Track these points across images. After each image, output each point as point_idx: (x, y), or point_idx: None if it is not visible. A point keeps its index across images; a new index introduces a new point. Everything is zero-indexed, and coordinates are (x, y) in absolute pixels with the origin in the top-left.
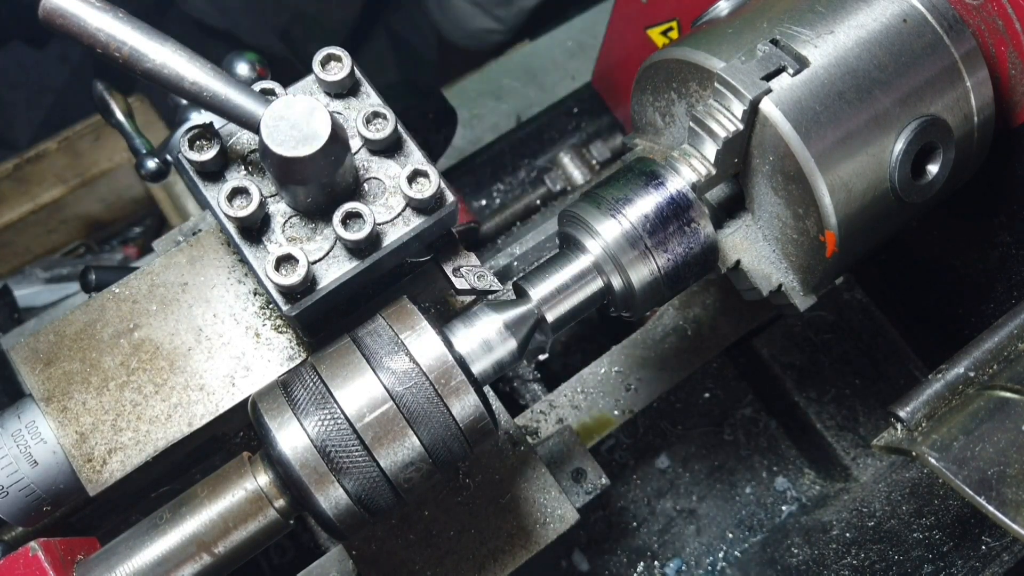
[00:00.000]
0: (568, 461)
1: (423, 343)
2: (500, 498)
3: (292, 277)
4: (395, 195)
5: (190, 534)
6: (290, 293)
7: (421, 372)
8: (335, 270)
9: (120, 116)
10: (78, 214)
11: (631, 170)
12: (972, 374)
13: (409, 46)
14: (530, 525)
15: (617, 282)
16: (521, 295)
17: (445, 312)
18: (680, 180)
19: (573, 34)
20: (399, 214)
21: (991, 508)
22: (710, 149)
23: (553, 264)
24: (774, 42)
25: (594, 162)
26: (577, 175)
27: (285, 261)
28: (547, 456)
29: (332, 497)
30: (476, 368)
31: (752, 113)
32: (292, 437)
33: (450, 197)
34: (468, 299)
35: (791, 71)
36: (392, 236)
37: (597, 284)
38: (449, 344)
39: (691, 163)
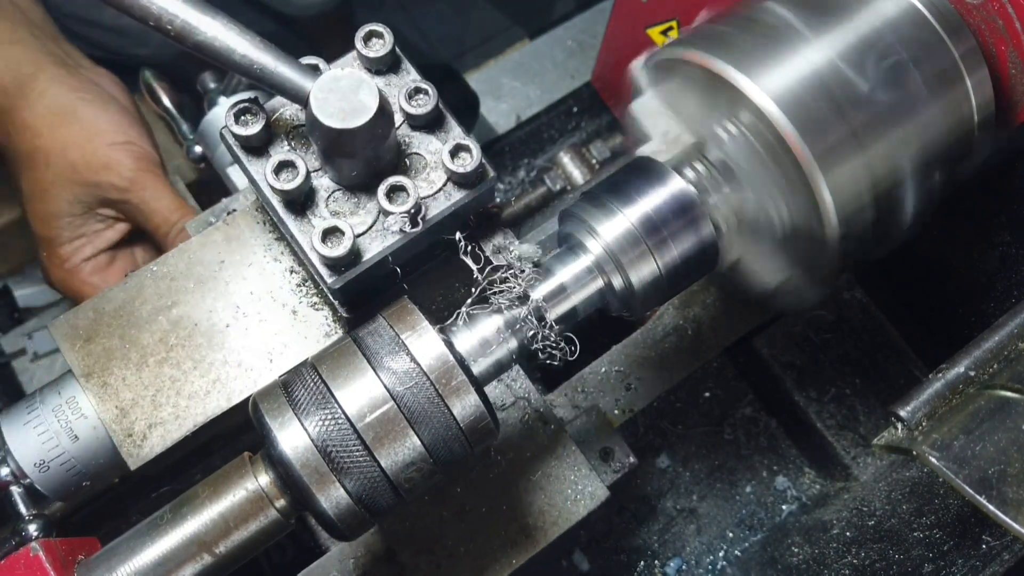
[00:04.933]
0: (596, 441)
1: (424, 343)
2: (531, 475)
3: (338, 249)
4: (436, 170)
5: (191, 534)
6: (335, 265)
7: (422, 372)
8: (379, 243)
9: (167, 103)
10: None
11: (632, 169)
12: (972, 373)
13: (426, 33)
14: (561, 502)
15: (618, 282)
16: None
17: (445, 313)
18: (680, 179)
19: (573, 34)
20: (440, 188)
21: (991, 507)
22: (711, 148)
23: (553, 264)
24: (776, 42)
25: (594, 161)
26: (577, 174)
27: (331, 233)
28: (575, 436)
29: (333, 497)
30: (477, 368)
31: (753, 112)
32: (293, 437)
33: (491, 171)
34: (470, 299)
35: (792, 70)
36: (435, 210)
37: (597, 284)
38: (450, 344)
39: (692, 162)
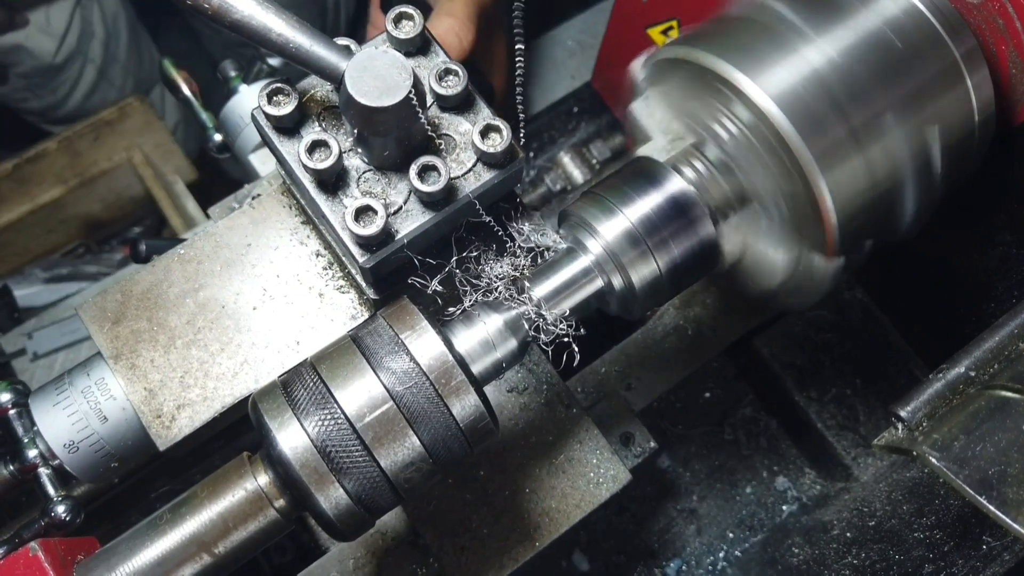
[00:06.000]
0: (616, 426)
1: (423, 343)
2: (553, 458)
3: (371, 228)
4: (466, 151)
5: (190, 534)
6: (368, 244)
7: (421, 372)
8: (410, 222)
9: (187, 92)
10: (77, 214)
11: (632, 169)
12: (973, 373)
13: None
14: (583, 485)
15: (618, 282)
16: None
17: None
18: (681, 179)
19: (573, 34)
20: (471, 169)
21: (992, 507)
22: (711, 148)
23: (553, 264)
24: (776, 42)
25: (594, 162)
26: (577, 175)
27: (364, 212)
28: (596, 420)
29: (332, 497)
30: (476, 368)
31: (753, 112)
32: (292, 437)
33: (520, 152)
34: (470, 299)
35: (793, 70)
36: (465, 190)
37: (597, 284)
38: (449, 344)
39: (692, 162)
